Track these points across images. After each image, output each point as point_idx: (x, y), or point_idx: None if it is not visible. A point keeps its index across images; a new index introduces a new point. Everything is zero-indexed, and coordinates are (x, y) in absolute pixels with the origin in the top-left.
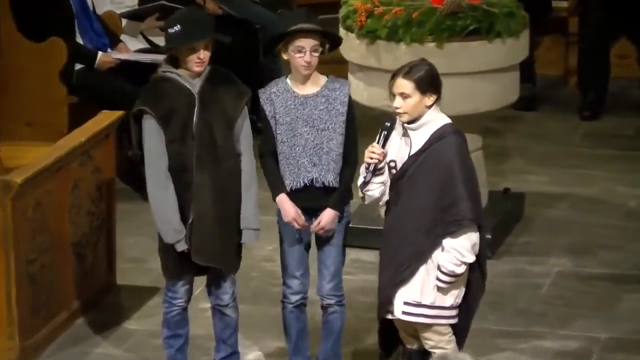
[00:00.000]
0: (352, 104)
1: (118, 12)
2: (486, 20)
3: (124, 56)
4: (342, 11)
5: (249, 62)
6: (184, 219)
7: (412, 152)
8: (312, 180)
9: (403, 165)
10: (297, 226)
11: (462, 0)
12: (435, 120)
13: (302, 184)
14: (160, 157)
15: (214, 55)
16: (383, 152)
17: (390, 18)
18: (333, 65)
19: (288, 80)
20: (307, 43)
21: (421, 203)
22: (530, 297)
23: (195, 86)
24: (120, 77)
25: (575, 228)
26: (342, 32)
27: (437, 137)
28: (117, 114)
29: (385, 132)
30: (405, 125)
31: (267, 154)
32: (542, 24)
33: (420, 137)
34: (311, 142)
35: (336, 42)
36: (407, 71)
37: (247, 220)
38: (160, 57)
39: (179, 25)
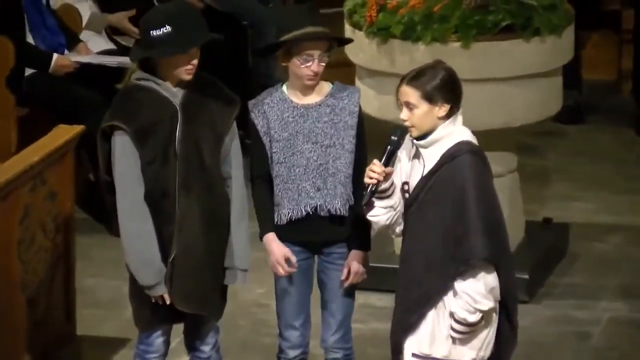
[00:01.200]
0: (362, 115)
1: (78, 7)
2: (522, 15)
3: (84, 59)
4: (348, 4)
5: (235, 66)
6: (163, 256)
7: (424, 173)
8: (315, 208)
9: (414, 189)
10: (280, 272)
11: None
12: (450, 135)
13: (303, 213)
14: (135, 183)
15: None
16: (384, 172)
17: (406, 12)
18: (337, 69)
19: (284, 88)
20: (315, 51)
21: (431, 235)
22: (577, 349)
23: (176, 96)
24: (80, 84)
25: (629, 266)
26: (347, 29)
27: (450, 156)
28: (76, 128)
29: (391, 147)
30: (414, 141)
31: (259, 179)
32: (590, 18)
33: (433, 155)
34: (314, 162)
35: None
36: (413, 76)
37: (236, 259)
38: (129, 60)
39: (168, 26)
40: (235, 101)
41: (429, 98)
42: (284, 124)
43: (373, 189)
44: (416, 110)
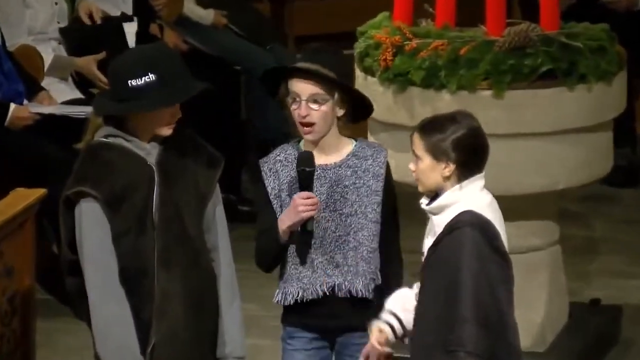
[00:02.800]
0: (391, 178)
1: (40, 48)
2: (565, 58)
3: (47, 109)
4: (358, 46)
5: (226, 119)
6: (140, 345)
7: (432, 244)
8: (333, 288)
9: (423, 260)
10: (307, 210)
11: (530, 29)
12: (459, 202)
13: (319, 294)
14: (109, 258)
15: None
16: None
17: (427, 56)
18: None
19: (301, 145)
20: (302, 89)
21: (425, 317)
22: None
23: (151, 154)
24: (41, 140)
25: None
26: (359, 76)
27: (449, 228)
28: (37, 192)
29: (304, 180)
30: (422, 205)
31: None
32: None
33: (442, 224)
34: (332, 233)
35: (359, 101)
36: (425, 124)
37: (229, 347)
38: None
39: (151, 74)
40: (218, 160)
41: (434, 153)
42: (297, 187)
43: (311, 228)
44: (420, 163)
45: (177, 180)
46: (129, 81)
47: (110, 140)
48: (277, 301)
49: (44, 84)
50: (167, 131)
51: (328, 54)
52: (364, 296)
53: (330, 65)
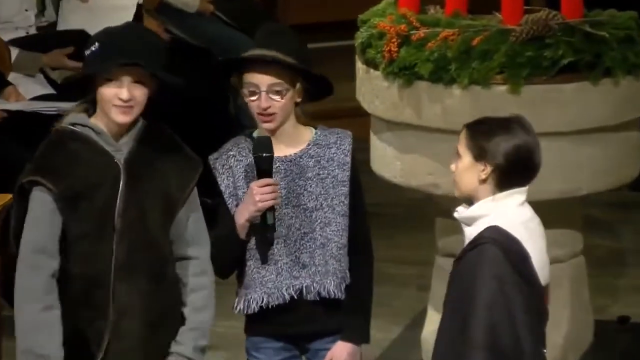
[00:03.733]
0: (356, 165)
1: (6, 38)
2: (589, 50)
3: (14, 106)
4: (360, 36)
5: (213, 116)
6: (86, 358)
7: (456, 257)
8: (300, 291)
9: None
10: (266, 201)
11: (550, 17)
12: (490, 215)
13: (286, 298)
14: (44, 258)
15: (159, 106)
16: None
17: (436, 47)
18: (346, 119)
19: (254, 137)
20: (260, 80)
21: (442, 339)
22: None
23: (120, 150)
24: (9, 139)
25: None
26: (360, 69)
27: (472, 243)
28: (4, 198)
29: (261, 165)
30: (456, 213)
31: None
32: None
33: (471, 236)
34: (297, 231)
35: (320, 83)
36: (474, 121)
37: (182, 346)
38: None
39: (97, 44)
40: (196, 164)
41: (475, 152)
42: (255, 179)
43: (272, 221)
44: (459, 162)
45: (145, 182)
46: (85, 52)
47: (78, 129)
48: (239, 310)
49: (10, 78)
50: (118, 117)
51: (285, 36)
52: (336, 297)
53: (288, 50)
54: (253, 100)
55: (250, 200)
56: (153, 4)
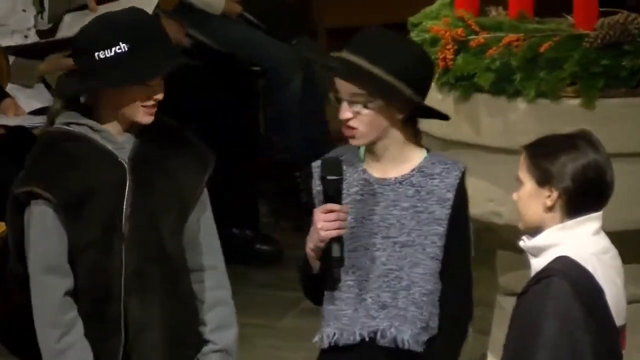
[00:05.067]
0: (464, 204)
1: (3, 43)
2: None
3: (13, 121)
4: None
5: (240, 133)
6: None
7: (520, 292)
8: (375, 334)
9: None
10: (330, 231)
11: (629, 21)
12: (560, 245)
13: (357, 338)
14: (61, 274)
15: (171, 109)
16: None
17: (498, 54)
18: None
19: (361, 152)
20: (342, 86)
21: None
22: None
23: (123, 149)
24: (8, 160)
25: None
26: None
27: (537, 277)
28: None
29: (329, 190)
30: (521, 242)
31: None
32: None
33: (538, 269)
34: (382, 265)
35: (420, 107)
36: (534, 142)
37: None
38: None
39: (122, 44)
40: (208, 159)
41: (537, 176)
42: (348, 203)
43: (338, 254)
44: (522, 189)
45: (154, 182)
46: (96, 53)
47: (73, 128)
48: (315, 342)
49: (8, 89)
50: (145, 118)
51: (384, 41)
52: (409, 348)
53: (380, 58)
54: (338, 109)
55: (314, 227)
56: (171, 4)
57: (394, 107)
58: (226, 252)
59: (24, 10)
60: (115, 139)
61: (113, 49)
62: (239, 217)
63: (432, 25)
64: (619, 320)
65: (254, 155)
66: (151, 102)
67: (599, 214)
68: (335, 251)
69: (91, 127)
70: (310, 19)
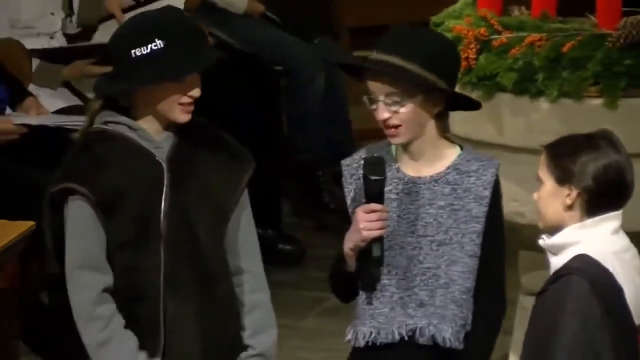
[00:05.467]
0: (499, 201)
1: (27, 45)
2: None
3: (35, 120)
4: None
5: (262, 133)
6: None
7: (538, 292)
8: (413, 333)
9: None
10: (372, 231)
11: None
12: (580, 243)
13: (396, 337)
14: (90, 273)
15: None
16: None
17: (521, 53)
18: None
19: (393, 149)
20: (376, 88)
21: None
22: None
23: (161, 148)
24: (29, 157)
25: None
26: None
27: (556, 275)
28: (23, 226)
29: (375, 190)
30: (541, 240)
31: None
32: None
33: (558, 266)
34: (419, 264)
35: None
36: (554, 141)
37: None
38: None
39: (158, 40)
40: (247, 160)
41: (557, 175)
42: (384, 202)
43: (378, 253)
44: (542, 188)
45: (192, 182)
46: (132, 51)
47: (110, 127)
48: (348, 340)
49: (30, 89)
50: (182, 116)
51: (413, 37)
52: (450, 346)
53: (413, 54)
54: (373, 109)
55: (355, 227)
56: (194, 4)
57: (431, 101)
58: None
59: (52, 14)
60: (152, 137)
61: (149, 46)
62: (261, 217)
63: (455, 25)
64: (637, 319)
65: (277, 155)
66: (188, 100)
67: (618, 212)
68: (376, 251)
69: (129, 126)
70: (332, 18)
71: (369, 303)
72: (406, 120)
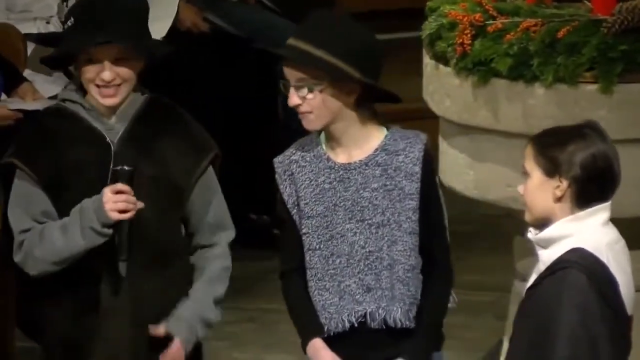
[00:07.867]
0: (430, 174)
1: (23, 29)
2: None
3: (31, 106)
4: (429, 26)
5: (258, 117)
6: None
7: (530, 285)
8: (364, 317)
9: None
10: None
11: None
12: (572, 236)
13: (346, 325)
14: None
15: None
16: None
17: (516, 39)
18: (411, 122)
19: (322, 140)
20: (289, 73)
21: None
22: None
23: (113, 129)
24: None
25: None
26: (428, 64)
27: (551, 268)
28: None
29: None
30: (530, 234)
31: (291, 272)
32: None
33: (548, 261)
34: (361, 249)
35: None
36: (540, 133)
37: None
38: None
39: (72, 18)
40: (207, 143)
41: (545, 166)
42: (318, 193)
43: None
44: (529, 180)
45: (140, 165)
46: (64, 26)
47: (68, 105)
48: None
49: (25, 74)
50: (103, 100)
51: (329, 26)
52: (403, 326)
53: (325, 42)
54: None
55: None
56: None
57: (343, 90)
58: (244, 237)
59: None
60: (104, 119)
61: (67, 22)
62: (256, 202)
63: (450, 10)
64: (629, 309)
65: (272, 139)
66: (102, 82)
67: (608, 204)
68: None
69: (82, 105)
70: (330, 4)
71: (320, 294)
72: (316, 107)
